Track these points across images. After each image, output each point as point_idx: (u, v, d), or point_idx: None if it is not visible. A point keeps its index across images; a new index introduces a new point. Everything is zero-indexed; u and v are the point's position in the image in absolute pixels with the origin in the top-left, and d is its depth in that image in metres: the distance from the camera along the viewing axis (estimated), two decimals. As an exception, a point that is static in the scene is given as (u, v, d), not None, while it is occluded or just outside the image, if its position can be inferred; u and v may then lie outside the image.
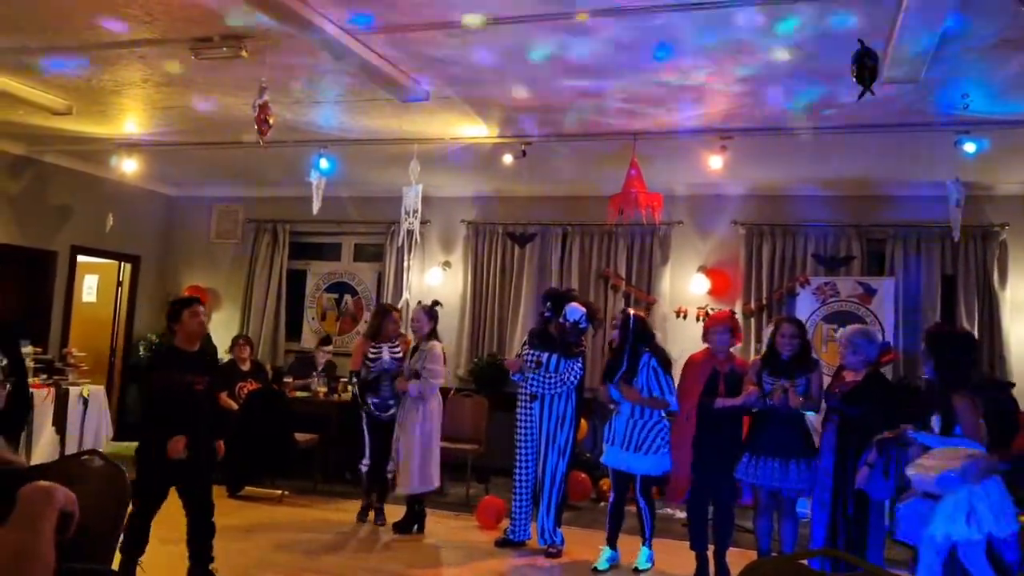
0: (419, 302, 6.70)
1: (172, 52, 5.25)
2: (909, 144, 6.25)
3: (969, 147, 5.71)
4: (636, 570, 5.27)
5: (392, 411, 6.07)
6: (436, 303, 6.21)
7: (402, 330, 6.70)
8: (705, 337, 5.28)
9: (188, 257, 10.09)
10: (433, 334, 6.02)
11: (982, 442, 3.89)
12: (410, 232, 7.04)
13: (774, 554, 5.02)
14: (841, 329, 5.74)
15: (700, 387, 5.10)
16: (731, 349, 5.28)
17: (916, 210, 7.42)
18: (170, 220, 10.20)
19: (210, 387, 4.56)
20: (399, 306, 8.51)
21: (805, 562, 2.20)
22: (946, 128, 5.70)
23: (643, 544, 5.35)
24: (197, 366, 4.47)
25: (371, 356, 6.12)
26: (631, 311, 5.52)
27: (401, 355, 6.17)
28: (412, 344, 6.16)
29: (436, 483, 6.06)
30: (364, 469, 6.20)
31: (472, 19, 4.43)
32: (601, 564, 5.34)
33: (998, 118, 5.52)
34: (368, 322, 6.74)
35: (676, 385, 5.32)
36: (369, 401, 6.08)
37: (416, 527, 6.03)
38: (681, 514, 5.81)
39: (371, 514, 6.21)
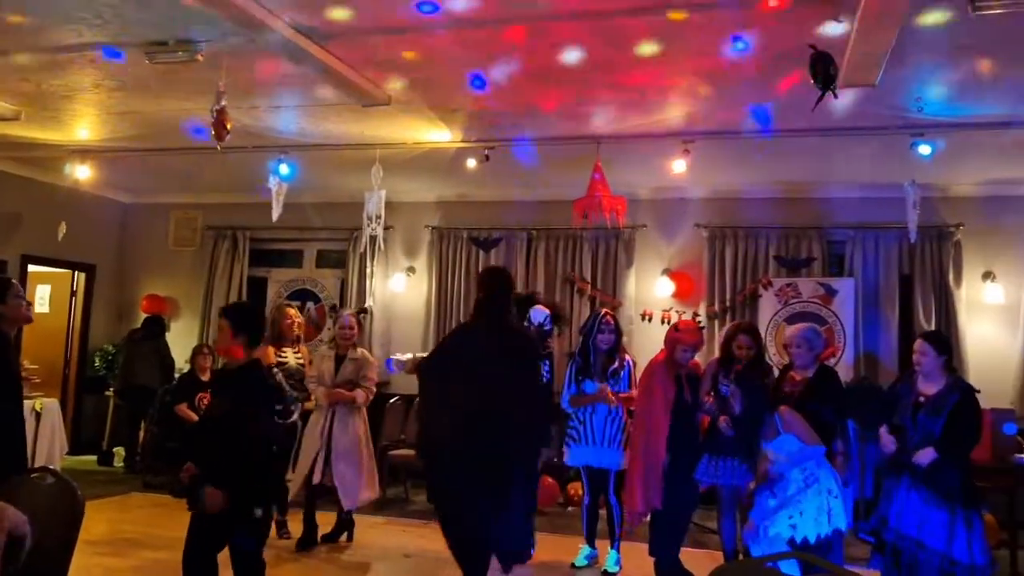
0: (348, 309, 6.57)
1: (125, 56, 5.14)
2: (866, 147, 6.34)
3: (924, 149, 5.82)
4: (606, 572, 5.27)
5: (293, 417, 5.86)
6: (363, 310, 6.14)
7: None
8: (669, 347, 5.19)
9: (146, 265, 9.88)
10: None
11: (817, 443, 4.26)
12: (373, 238, 6.96)
13: (741, 556, 5.05)
14: (788, 328, 5.73)
15: (672, 392, 5.05)
16: None
17: (874, 212, 7.53)
18: (126, 228, 9.98)
19: (232, 412, 3.67)
20: (364, 307, 8.45)
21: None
22: (902, 131, 5.80)
23: (611, 547, 5.35)
24: (214, 386, 3.93)
25: (279, 360, 5.85)
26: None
27: (304, 362, 6.00)
28: (336, 353, 5.81)
29: (378, 491, 5.97)
30: None
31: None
32: (579, 561, 5.40)
33: (951, 120, 5.64)
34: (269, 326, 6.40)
35: (639, 387, 5.33)
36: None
37: (347, 535, 5.92)
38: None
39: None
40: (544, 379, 5.52)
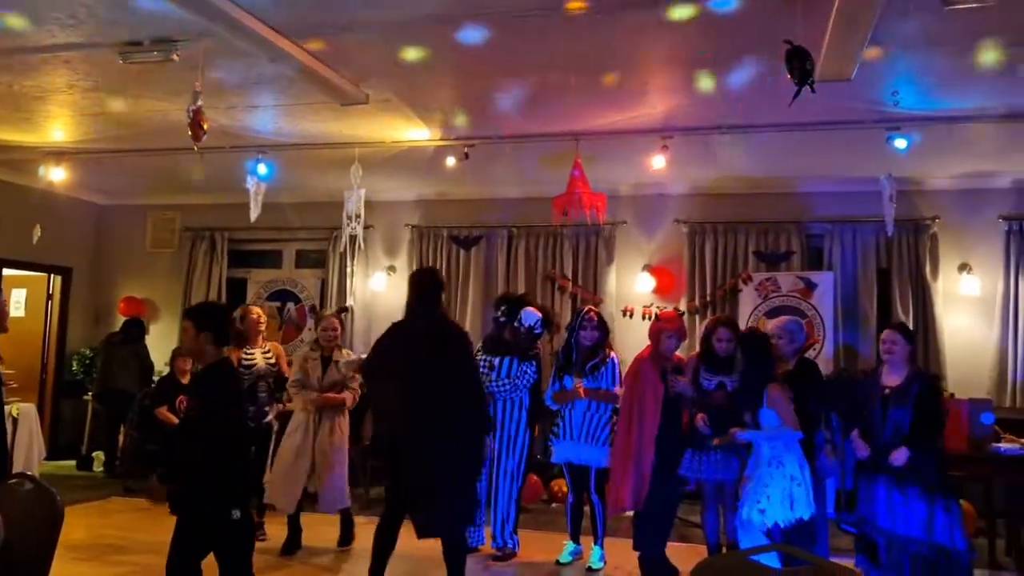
0: (327, 309, 6.45)
1: (99, 57, 5.08)
2: (843, 141, 6.39)
3: (900, 143, 5.87)
4: (590, 569, 5.28)
5: (268, 418, 5.80)
6: (344, 309, 6.12)
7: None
8: (653, 338, 5.25)
9: (123, 268, 9.78)
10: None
11: (795, 428, 4.33)
12: (353, 237, 6.92)
13: (724, 549, 5.08)
14: (770, 320, 5.80)
15: (660, 388, 5.04)
16: None
17: (852, 205, 7.59)
18: (102, 230, 9.87)
19: (200, 412, 3.71)
20: (345, 307, 8.41)
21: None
22: (878, 125, 5.85)
23: (595, 543, 5.36)
24: (190, 388, 3.94)
25: (245, 362, 5.69)
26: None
27: (274, 360, 5.88)
28: (322, 355, 5.74)
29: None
30: None
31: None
32: (564, 558, 5.41)
33: (927, 114, 5.69)
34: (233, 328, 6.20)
35: (624, 384, 5.35)
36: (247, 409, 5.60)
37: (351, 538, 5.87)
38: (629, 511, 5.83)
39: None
40: (531, 379, 5.56)
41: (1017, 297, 7.27)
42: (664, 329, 5.21)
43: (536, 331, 5.58)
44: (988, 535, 5.78)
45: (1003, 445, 5.61)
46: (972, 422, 5.61)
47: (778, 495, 4.32)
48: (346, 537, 5.84)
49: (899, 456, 4.27)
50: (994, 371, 7.29)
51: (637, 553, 5.12)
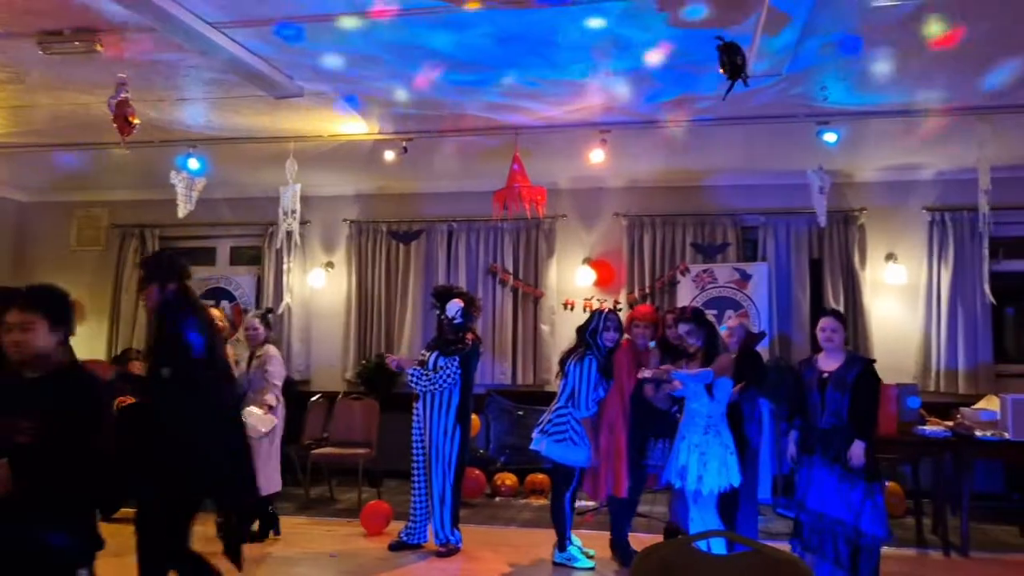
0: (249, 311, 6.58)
1: (16, 47, 4.86)
2: (775, 135, 6.54)
3: (829, 137, 6.03)
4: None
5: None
6: (269, 310, 6.27)
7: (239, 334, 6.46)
8: (628, 330, 5.34)
9: (46, 267, 9.35)
10: (267, 339, 6.06)
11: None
12: (289, 233, 6.83)
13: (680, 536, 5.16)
14: (734, 316, 6.06)
15: (631, 379, 5.13)
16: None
17: (785, 197, 7.76)
18: (23, 228, 9.46)
19: (47, 435, 2.74)
20: (279, 311, 8.23)
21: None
22: (808, 119, 6.00)
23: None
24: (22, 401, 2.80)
25: None
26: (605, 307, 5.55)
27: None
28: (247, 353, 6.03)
29: (279, 485, 5.99)
30: None
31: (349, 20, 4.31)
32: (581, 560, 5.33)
33: (854, 109, 5.85)
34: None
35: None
36: None
37: (272, 531, 5.77)
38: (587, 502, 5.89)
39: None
40: (452, 374, 5.41)
41: (939, 285, 7.55)
42: (633, 318, 5.36)
43: (456, 321, 5.49)
44: (915, 515, 5.99)
45: (928, 427, 5.81)
46: (900, 406, 5.81)
47: (715, 463, 4.49)
48: (261, 533, 5.78)
49: (857, 457, 4.34)
50: (919, 357, 7.57)
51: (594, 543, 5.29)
